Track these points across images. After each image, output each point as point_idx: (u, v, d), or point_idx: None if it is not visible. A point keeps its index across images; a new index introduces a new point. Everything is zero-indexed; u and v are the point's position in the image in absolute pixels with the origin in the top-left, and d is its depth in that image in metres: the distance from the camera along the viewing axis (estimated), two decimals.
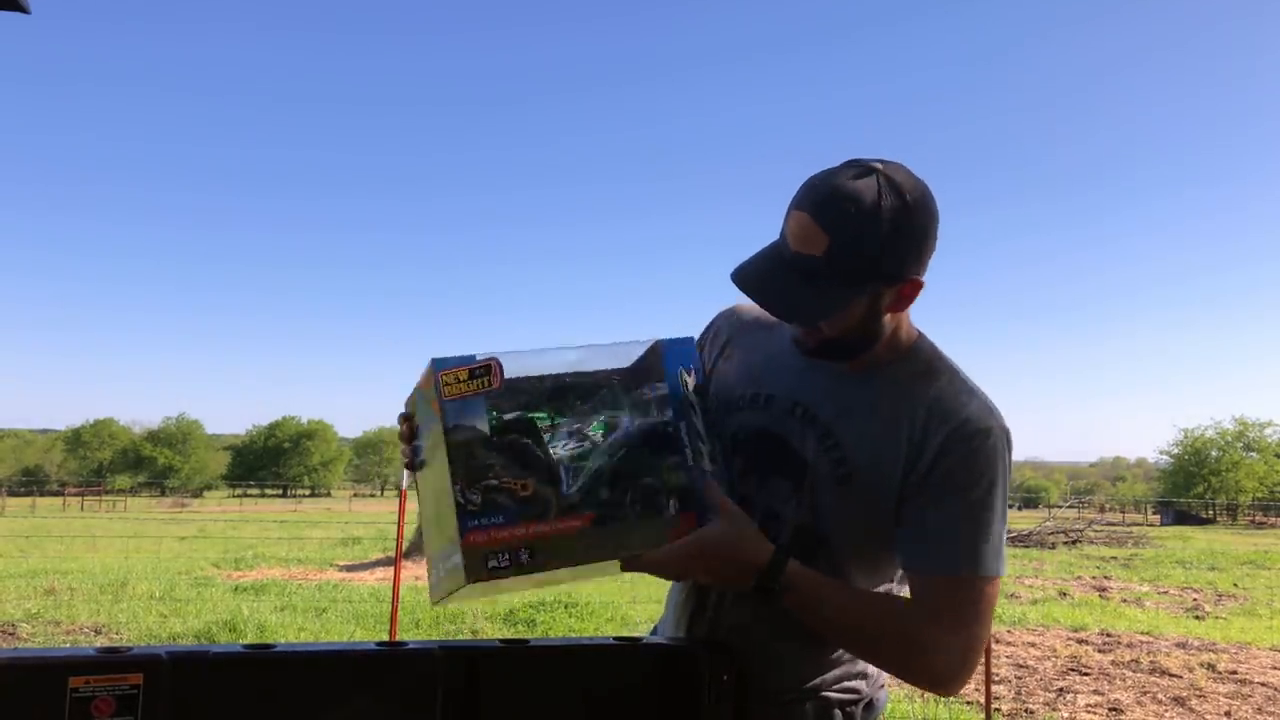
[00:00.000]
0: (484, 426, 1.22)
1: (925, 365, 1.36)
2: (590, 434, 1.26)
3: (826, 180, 1.26)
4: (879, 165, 1.27)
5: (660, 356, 1.32)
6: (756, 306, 1.53)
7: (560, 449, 1.24)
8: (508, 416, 1.23)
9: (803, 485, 1.34)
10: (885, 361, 1.36)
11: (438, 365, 1.24)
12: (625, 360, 1.31)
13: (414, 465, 1.34)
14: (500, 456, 1.22)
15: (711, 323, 1.58)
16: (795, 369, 1.41)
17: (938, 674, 1.26)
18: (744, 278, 1.30)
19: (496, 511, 1.19)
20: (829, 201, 1.24)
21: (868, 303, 1.29)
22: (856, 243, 1.23)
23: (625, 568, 1.26)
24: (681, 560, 1.25)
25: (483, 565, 1.18)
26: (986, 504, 1.27)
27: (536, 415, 1.25)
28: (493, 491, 1.20)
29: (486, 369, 1.24)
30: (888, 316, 1.32)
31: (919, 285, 1.30)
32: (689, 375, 1.33)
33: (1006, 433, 1.31)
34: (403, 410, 1.35)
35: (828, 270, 1.24)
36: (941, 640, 1.24)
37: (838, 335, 1.32)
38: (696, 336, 1.59)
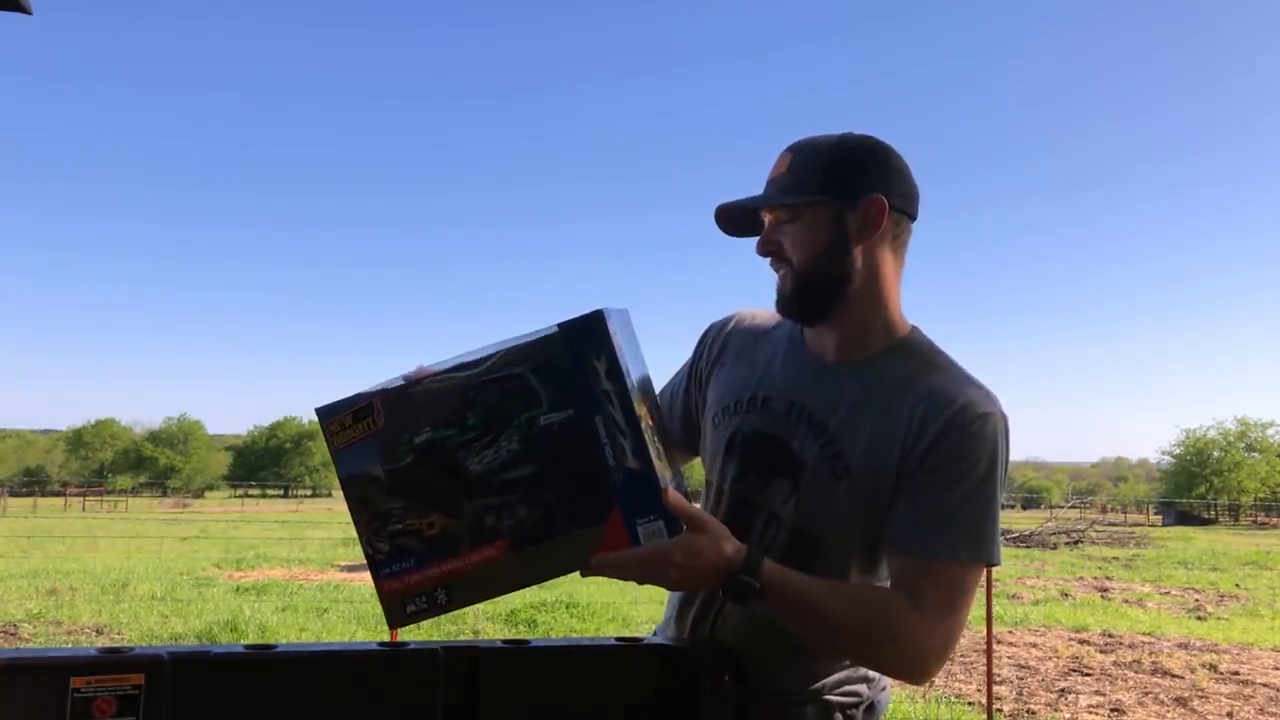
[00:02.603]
0: (379, 470, 1.18)
1: (920, 357, 1.37)
2: (505, 441, 1.17)
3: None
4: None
5: (567, 345, 1.17)
6: (755, 314, 1.54)
7: (476, 463, 1.17)
8: (418, 440, 1.17)
9: (800, 485, 1.34)
10: (879, 354, 1.37)
11: (322, 415, 1.19)
12: (533, 355, 1.17)
13: None
14: (400, 499, 1.18)
15: (709, 329, 1.58)
16: (789, 369, 1.41)
17: (918, 663, 1.25)
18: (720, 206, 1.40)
19: (406, 556, 1.17)
20: (800, 140, 1.39)
21: (830, 219, 1.33)
22: (813, 155, 1.35)
23: (585, 573, 1.19)
24: (645, 566, 1.17)
25: (401, 611, 1.18)
26: (984, 489, 1.27)
27: (446, 434, 1.17)
28: (399, 536, 1.18)
29: (370, 409, 1.18)
30: (859, 249, 1.34)
31: (882, 206, 1.33)
32: (599, 361, 1.16)
33: (1005, 419, 1.31)
34: None
35: (790, 180, 1.35)
36: (927, 628, 1.23)
37: (808, 263, 1.33)
38: (700, 341, 1.59)
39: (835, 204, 1.33)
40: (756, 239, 1.39)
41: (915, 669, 1.26)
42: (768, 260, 1.39)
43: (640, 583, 1.20)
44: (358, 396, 1.19)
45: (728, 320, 1.57)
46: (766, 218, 1.37)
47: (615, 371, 1.16)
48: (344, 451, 1.19)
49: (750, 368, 1.46)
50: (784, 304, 1.38)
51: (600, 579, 1.22)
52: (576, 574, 1.19)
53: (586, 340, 1.16)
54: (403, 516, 1.17)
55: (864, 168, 1.34)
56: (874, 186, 1.33)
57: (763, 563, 1.21)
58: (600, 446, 1.16)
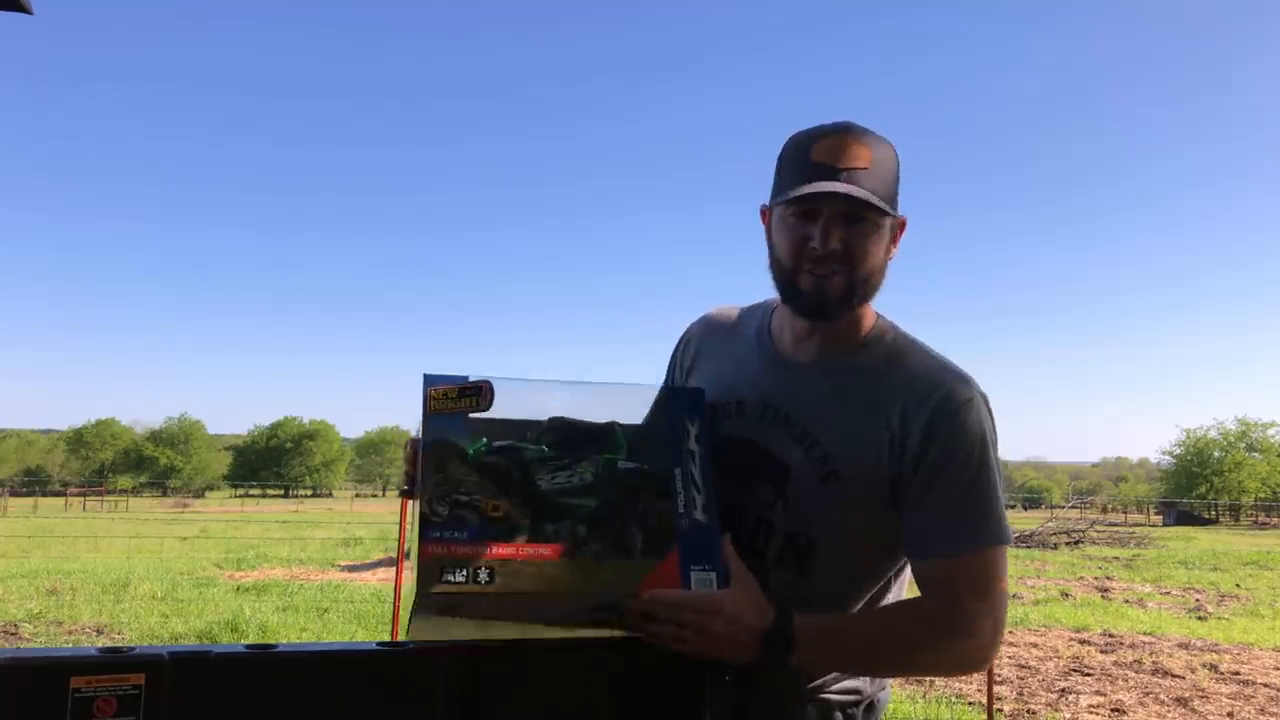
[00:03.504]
0: (465, 444, 1.20)
1: (891, 347, 1.37)
2: (581, 472, 1.23)
3: (832, 123, 1.32)
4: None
5: (665, 403, 1.32)
6: (727, 314, 1.54)
7: (547, 483, 1.21)
8: (498, 444, 1.21)
9: (786, 490, 1.33)
10: (851, 349, 1.36)
11: (428, 381, 1.23)
12: (629, 403, 1.29)
13: (411, 492, 1.30)
14: (477, 475, 1.19)
15: (683, 336, 1.58)
16: (762, 370, 1.40)
17: (974, 656, 1.27)
18: (817, 190, 1.26)
19: (461, 527, 1.16)
20: (855, 128, 1.30)
21: (889, 232, 1.33)
22: (889, 161, 1.31)
23: (631, 607, 1.18)
24: (698, 610, 1.18)
25: (437, 576, 1.14)
26: (983, 475, 1.28)
27: (528, 446, 1.22)
28: (461, 507, 1.17)
29: (477, 390, 1.22)
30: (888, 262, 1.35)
31: (904, 226, 1.36)
32: (692, 425, 1.30)
33: (986, 399, 1.32)
34: (413, 435, 1.33)
35: (874, 181, 1.27)
36: (971, 623, 1.24)
37: (867, 271, 1.31)
38: (674, 349, 1.59)
39: (894, 220, 1.33)
40: (792, 218, 1.30)
41: (976, 661, 1.29)
42: (800, 249, 1.29)
43: (672, 637, 1.19)
44: (467, 377, 1.24)
45: (698, 323, 1.57)
46: (828, 208, 1.28)
47: (704, 438, 1.30)
48: (437, 417, 1.22)
49: (723, 371, 1.45)
50: (819, 303, 1.31)
51: None
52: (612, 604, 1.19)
53: (685, 405, 1.32)
54: (473, 491, 1.18)
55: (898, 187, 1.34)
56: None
57: (794, 617, 1.22)
58: (674, 495, 1.24)
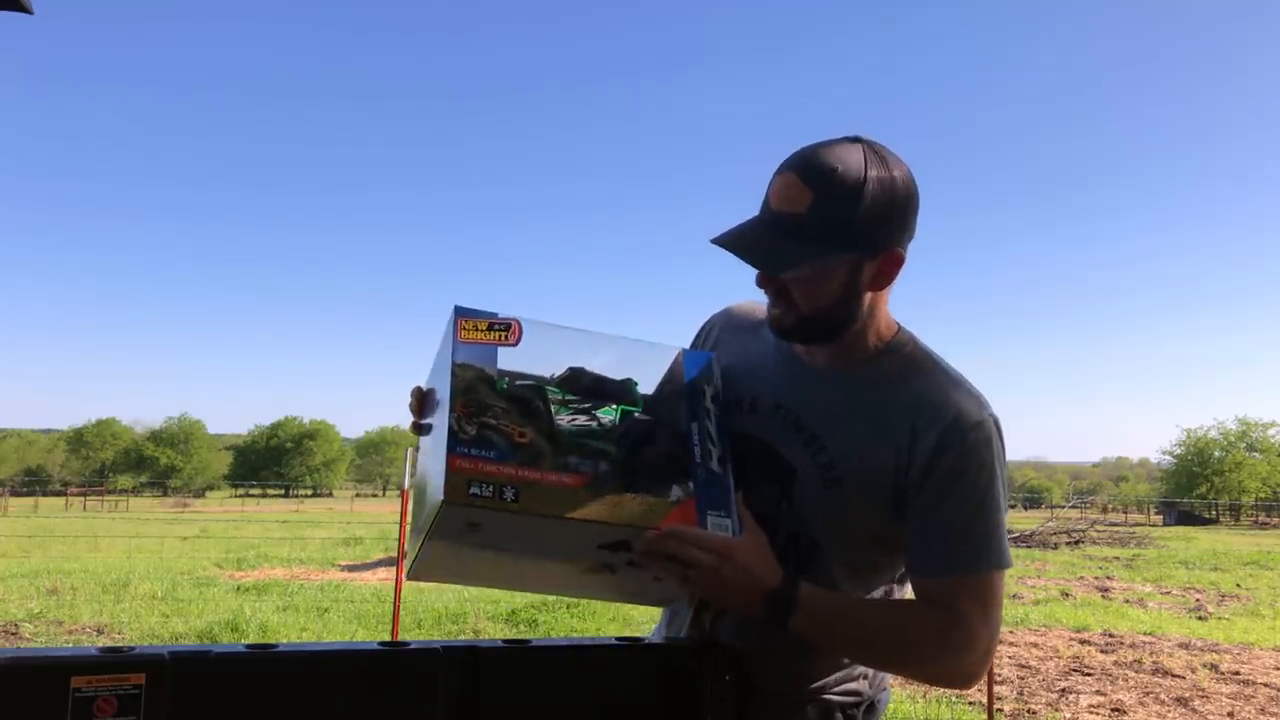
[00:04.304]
0: (493, 372, 1.22)
1: (907, 359, 1.36)
2: (600, 417, 1.25)
3: (813, 146, 1.27)
4: (865, 138, 1.28)
5: (682, 364, 1.35)
6: (751, 310, 1.53)
7: (566, 423, 1.23)
8: (520, 382, 1.23)
9: (791, 491, 1.33)
10: (867, 358, 1.35)
11: (460, 311, 1.25)
12: (647, 360, 1.32)
13: (420, 427, 1.32)
14: (504, 402, 1.20)
15: (705, 324, 1.58)
16: (778, 371, 1.40)
17: (966, 673, 1.27)
18: (721, 236, 1.28)
19: (489, 447, 1.16)
20: (814, 162, 1.24)
21: (847, 273, 1.27)
22: (840, 201, 1.22)
23: (648, 541, 1.19)
24: (711, 549, 1.19)
25: (464, 488, 1.13)
26: (990, 498, 1.27)
27: (549, 387, 1.25)
28: (489, 429, 1.17)
29: (506, 326, 1.25)
30: (868, 295, 1.31)
31: (900, 260, 1.29)
32: (708, 386, 1.34)
33: (997, 421, 1.31)
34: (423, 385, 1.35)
35: (809, 227, 1.23)
36: (971, 636, 1.24)
37: (815, 311, 1.29)
38: (692, 338, 1.60)
39: (857, 258, 1.27)
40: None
41: (967, 676, 1.29)
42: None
43: (681, 576, 1.21)
44: (496, 314, 1.27)
45: (720, 316, 1.57)
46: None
47: (719, 398, 1.35)
48: (467, 345, 1.23)
49: (738, 367, 1.44)
50: (780, 333, 1.35)
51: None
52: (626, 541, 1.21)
53: (700, 367, 1.37)
54: (500, 416, 1.19)
55: (894, 218, 1.26)
56: (898, 239, 1.28)
57: (800, 583, 1.23)
58: (691, 446, 1.27)
